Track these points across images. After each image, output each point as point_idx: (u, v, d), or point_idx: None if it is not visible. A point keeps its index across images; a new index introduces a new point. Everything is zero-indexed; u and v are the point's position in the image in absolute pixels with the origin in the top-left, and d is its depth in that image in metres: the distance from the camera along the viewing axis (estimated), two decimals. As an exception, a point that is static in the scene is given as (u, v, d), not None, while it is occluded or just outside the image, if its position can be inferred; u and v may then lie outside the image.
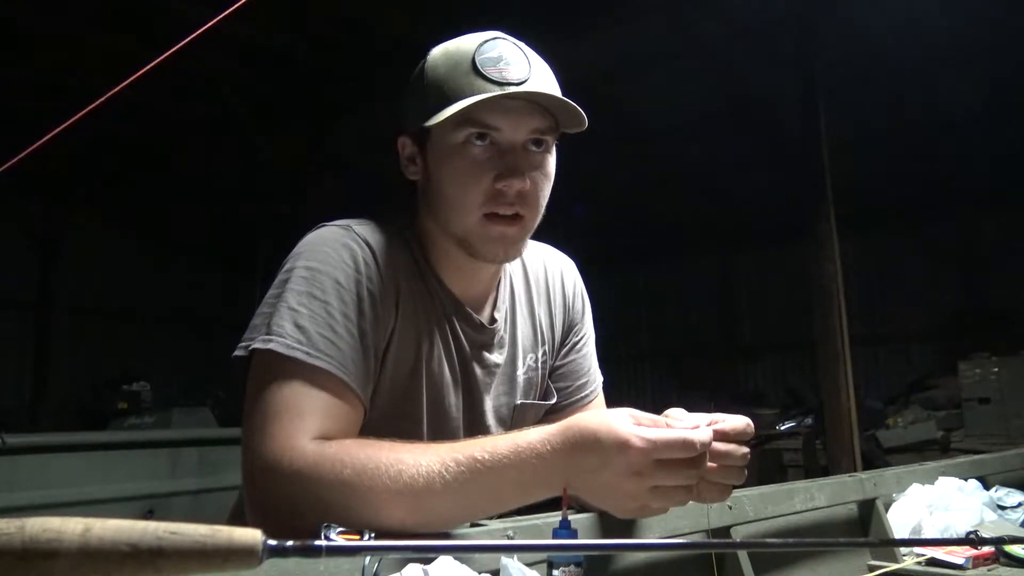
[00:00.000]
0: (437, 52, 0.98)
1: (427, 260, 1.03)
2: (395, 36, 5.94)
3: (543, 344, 1.14)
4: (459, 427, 1.03)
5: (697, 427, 0.77)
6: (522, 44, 0.98)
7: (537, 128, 0.95)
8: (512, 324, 1.11)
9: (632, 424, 0.76)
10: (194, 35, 1.28)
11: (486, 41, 0.95)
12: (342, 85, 6.75)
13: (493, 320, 1.08)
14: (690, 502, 1.06)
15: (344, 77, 6.65)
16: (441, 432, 1.01)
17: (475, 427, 1.04)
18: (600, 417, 0.77)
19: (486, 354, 1.06)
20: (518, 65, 0.94)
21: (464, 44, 0.96)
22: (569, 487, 0.78)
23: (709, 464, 0.80)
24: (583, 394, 1.16)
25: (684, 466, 0.75)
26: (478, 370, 1.05)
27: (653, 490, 0.76)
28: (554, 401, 1.14)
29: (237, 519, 0.93)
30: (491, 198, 0.94)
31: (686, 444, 0.74)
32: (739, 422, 0.82)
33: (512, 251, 0.99)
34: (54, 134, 1.28)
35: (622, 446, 0.74)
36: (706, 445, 0.76)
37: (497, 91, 0.91)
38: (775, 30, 5.64)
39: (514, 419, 1.09)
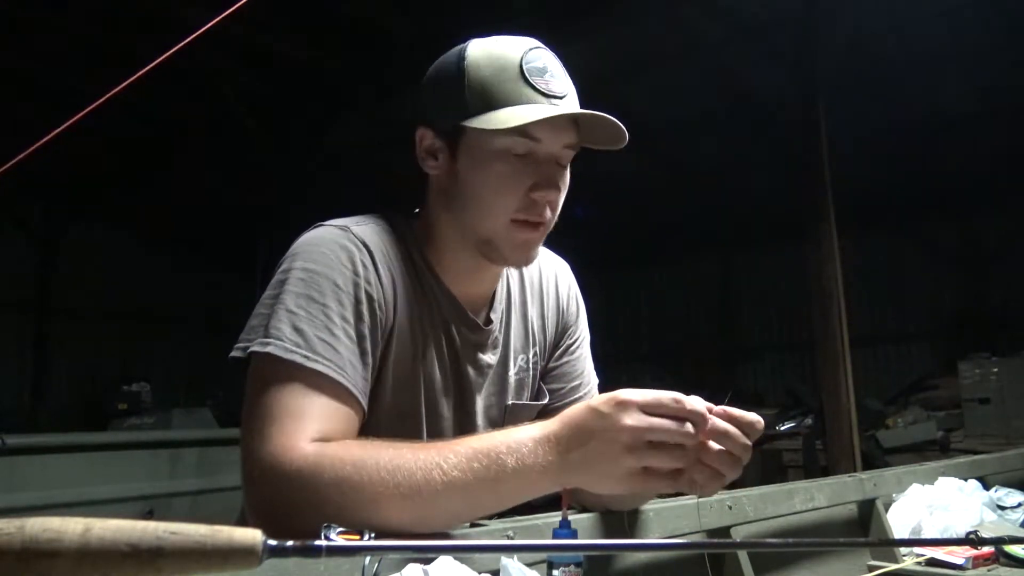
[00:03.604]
0: (478, 52, 0.97)
1: (427, 259, 1.03)
2: (396, 36, 5.94)
3: (534, 345, 1.14)
4: (450, 427, 1.04)
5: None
6: (554, 55, 1.00)
7: (570, 144, 0.98)
8: (506, 325, 1.11)
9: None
10: (194, 35, 1.28)
11: (531, 49, 0.97)
12: (342, 85, 6.75)
13: (489, 321, 1.08)
14: (689, 500, 1.06)
15: (344, 77, 6.65)
16: (435, 432, 1.02)
17: (466, 427, 1.04)
18: (596, 398, 0.79)
19: (479, 355, 1.07)
20: (560, 78, 0.97)
21: (508, 49, 0.96)
22: (568, 470, 0.78)
23: (709, 444, 0.80)
24: (576, 396, 1.16)
25: (676, 425, 0.75)
26: (471, 371, 1.06)
27: (648, 445, 0.75)
28: (546, 402, 1.14)
29: (244, 521, 0.93)
30: (524, 207, 0.96)
31: (675, 399, 0.76)
32: (750, 415, 0.82)
33: (533, 256, 1.02)
34: (54, 134, 1.28)
35: (617, 403, 0.75)
36: (697, 413, 0.76)
37: (546, 104, 0.94)
38: (775, 30, 5.64)
39: (505, 420, 1.09)
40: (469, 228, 0.99)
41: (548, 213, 0.98)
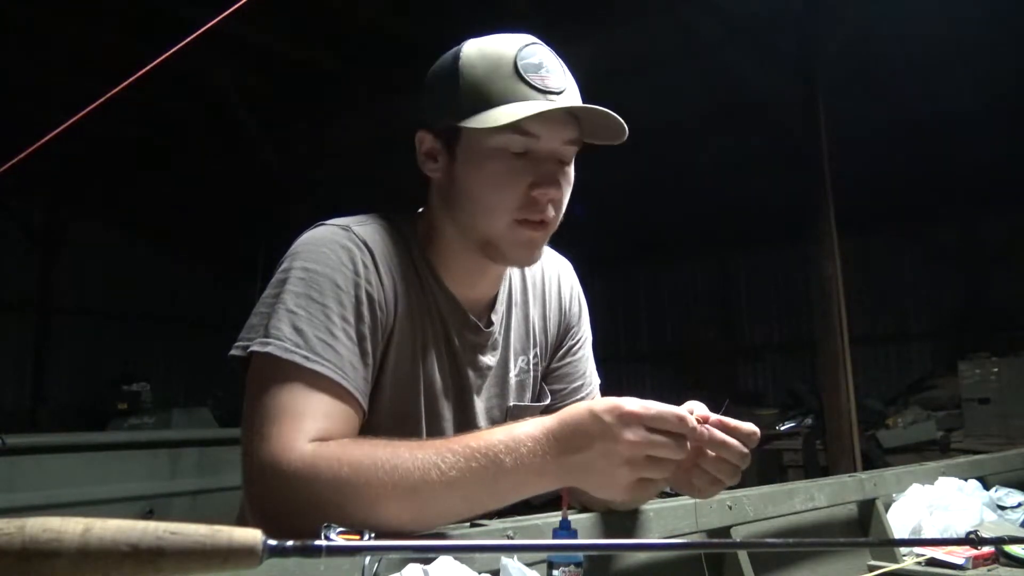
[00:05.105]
0: (473, 51, 0.96)
1: (428, 261, 1.03)
2: (395, 37, 5.94)
3: (535, 346, 1.14)
4: (450, 428, 1.04)
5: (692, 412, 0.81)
6: (552, 50, 0.98)
7: (571, 139, 0.96)
8: (506, 326, 1.11)
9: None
10: (194, 35, 1.28)
11: (526, 45, 0.95)
12: (342, 85, 6.75)
13: (490, 322, 1.08)
14: (689, 500, 1.06)
15: (344, 77, 6.65)
16: (435, 433, 1.01)
17: (466, 429, 1.04)
18: (596, 400, 0.81)
19: (479, 356, 1.06)
20: (557, 74, 0.95)
21: (503, 46, 0.95)
22: (565, 471, 0.78)
23: (707, 452, 0.83)
24: (578, 396, 1.16)
25: (674, 438, 0.77)
26: (470, 372, 1.05)
27: (646, 459, 0.76)
28: (548, 402, 1.14)
29: (243, 520, 0.93)
30: (525, 205, 0.95)
31: (678, 417, 0.77)
32: (746, 425, 0.83)
33: (536, 255, 1.01)
34: (54, 134, 1.28)
35: (620, 415, 0.76)
36: (696, 433, 0.78)
37: (542, 100, 0.92)
38: (775, 30, 5.63)
39: (507, 421, 1.09)
40: (470, 229, 0.99)
41: (551, 212, 0.97)
